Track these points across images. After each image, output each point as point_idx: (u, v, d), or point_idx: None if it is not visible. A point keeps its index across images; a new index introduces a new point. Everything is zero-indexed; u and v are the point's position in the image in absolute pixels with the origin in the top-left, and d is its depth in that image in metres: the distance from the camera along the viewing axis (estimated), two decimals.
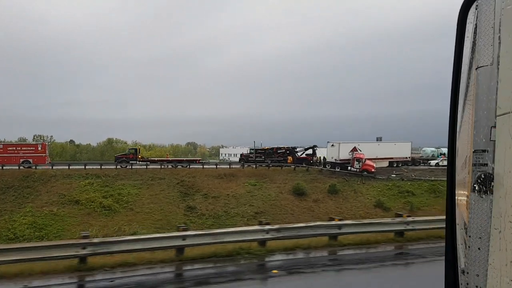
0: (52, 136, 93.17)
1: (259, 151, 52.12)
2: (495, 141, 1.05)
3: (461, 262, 1.27)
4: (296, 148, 52.83)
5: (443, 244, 1.47)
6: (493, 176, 1.05)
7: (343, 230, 12.70)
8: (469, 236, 1.14)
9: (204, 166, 46.83)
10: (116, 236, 20.37)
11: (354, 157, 46.79)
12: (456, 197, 1.45)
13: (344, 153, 47.36)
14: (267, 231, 11.62)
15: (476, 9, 1.18)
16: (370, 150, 50.14)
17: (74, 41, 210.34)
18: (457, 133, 1.39)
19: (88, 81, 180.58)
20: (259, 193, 40.06)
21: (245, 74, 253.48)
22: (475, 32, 1.19)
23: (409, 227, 13.81)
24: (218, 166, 47.19)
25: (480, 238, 1.10)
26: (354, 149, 48.50)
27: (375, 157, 50.53)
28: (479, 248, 1.10)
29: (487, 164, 1.07)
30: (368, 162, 46.72)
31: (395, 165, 52.24)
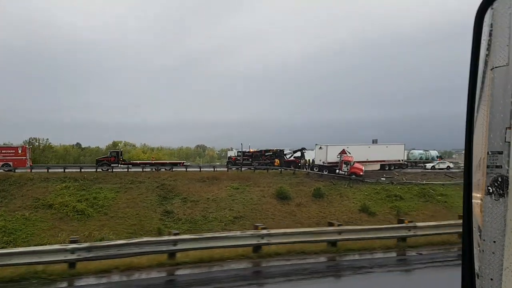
0: (48, 138, 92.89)
1: (247, 153, 50.98)
2: (510, 142, 1.10)
3: (476, 266, 1.29)
4: (284, 151, 51.61)
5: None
6: (508, 178, 1.08)
7: (180, 247, 10.55)
8: (483, 240, 1.18)
9: (188, 169, 45.74)
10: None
11: (342, 160, 45.44)
12: (472, 200, 1.43)
13: (332, 156, 46.02)
14: (72, 251, 9.35)
15: (492, 11, 1.23)
16: (360, 153, 48.75)
17: (90, 46, 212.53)
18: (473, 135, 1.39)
19: (104, 86, 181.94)
20: (241, 197, 38.89)
21: (259, 77, 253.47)
22: (490, 34, 1.24)
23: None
24: (202, 169, 46.07)
25: (495, 241, 1.13)
26: (343, 152, 47.12)
27: (365, 160, 49.18)
28: (493, 252, 1.13)
29: (501, 166, 1.11)
30: (356, 165, 45.34)
31: (387, 168, 50.80)
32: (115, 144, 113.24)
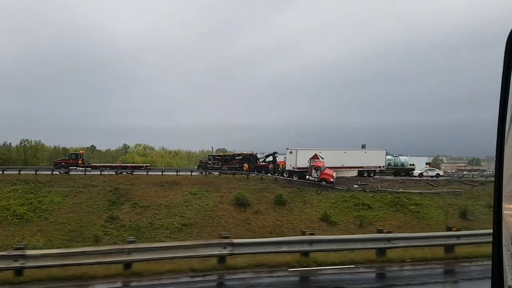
0: (40, 140, 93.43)
1: (217, 157, 48.95)
2: None
3: (508, 279, 1.24)
4: (257, 155, 49.41)
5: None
6: None
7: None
8: None
9: (149, 173, 44.02)
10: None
11: (312, 165, 42.90)
12: (503, 211, 1.38)
13: (303, 161, 43.53)
14: None
15: None
16: (335, 158, 46.13)
17: (129, 52, 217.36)
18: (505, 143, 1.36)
19: (141, 91, 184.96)
20: (197, 203, 36.83)
21: (294, 81, 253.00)
22: None
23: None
24: (164, 173, 44.27)
25: None
26: (315, 157, 44.59)
27: (341, 166, 46.55)
28: None
29: None
30: (327, 171, 42.75)
31: (365, 175, 47.94)
32: (125, 146, 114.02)
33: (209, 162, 48.40)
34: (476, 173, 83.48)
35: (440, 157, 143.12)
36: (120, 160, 55.26)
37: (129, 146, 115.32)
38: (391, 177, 48.45)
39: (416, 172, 54.43)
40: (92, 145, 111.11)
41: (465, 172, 70.63)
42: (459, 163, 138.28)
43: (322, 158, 44.92)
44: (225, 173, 44.60)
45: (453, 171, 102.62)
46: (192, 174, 44.40)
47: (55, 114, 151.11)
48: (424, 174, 52.71)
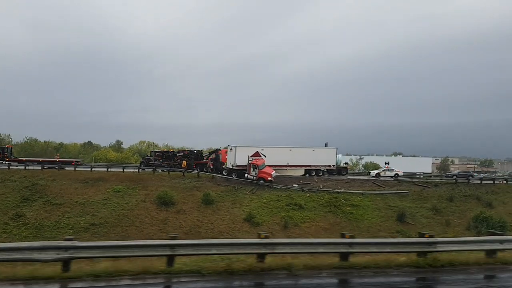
0: (9, 135, 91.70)
1: (158, 153, 46.67)
2: None
3: None
4: (202, 152, 47.22)
5: None
6: None
7: None
8: None
9: (78, 169, 41.79)
10: None
11: (250, 163, 40.67)
12: None
13: (242, 159, 41.29)
14: None
15: None
16: (280, 156, 44.01)
17: (148, 52, 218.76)
18: None
19: (159, 90, 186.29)
20: (117, 201, 34.63)
21: (310, 81, 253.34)
22: None
23: None
24: (94, 169, 42.07)
25: None
26: (257, 154, 42.39)
27: (285, 164, 44.35)
28: None
29: None
30: (266, 169, 40.54)
31: (313, 174, 45.72)
32: (118, 142, 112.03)
33: (151, 158, 46.16)
34: (482, 174, 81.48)
35: (450, 158, 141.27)
36: (57, 155, 52.91)
37: (122, 142, 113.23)
38: (339, 177, 46.14)
39: (373, 172, 52.30)
40: (89, 141, 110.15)
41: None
42: (469, 164, 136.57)
43: (265, 156, 42.75)
44: (163, 171, 42.40)
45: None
46: (125, 170, 42.12)
47: (76, 111, 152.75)
48: (382, 174, 50.45)
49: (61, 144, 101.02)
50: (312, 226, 32.95)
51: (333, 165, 47.56)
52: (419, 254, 8.86)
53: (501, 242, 9.54)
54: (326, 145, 51.45)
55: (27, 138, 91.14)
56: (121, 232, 30.34)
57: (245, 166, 41.25)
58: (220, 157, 45.09)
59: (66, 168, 42.96)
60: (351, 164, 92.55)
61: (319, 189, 39.56)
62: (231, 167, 42.04)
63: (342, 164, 48.78)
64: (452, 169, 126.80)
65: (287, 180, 42.26)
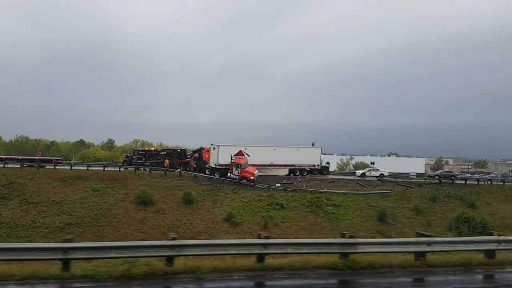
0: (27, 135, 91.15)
1: (141, 152, 46.12)
2: None
3: None
4: (185, 151, 46.76)
5: None
6: None
7: None
8: None
9: (57, 167, 41.18)
10: None
11: (233, 162, 40.31)
12: None
13: (225, 158, 40.92)
14: None
15: None
16: (263, 156, 43.71)
17: (148, 51, 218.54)
18: None
19: (159, 89, 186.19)
20: (95, 200, 34.11)
21: (309, 81, 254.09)
22: None
23: None
24: (74, 168, 41.49)
25: None
26: (240, 154, 42.04)
27: (269, 164, 44.05)
28: None
29: None
30: (248, 168, 40.22)
31: (298, 174, 45.46)
32: (109, 141, 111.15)
33: (134, 157, 45.61)
34: (467, 175, 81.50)
35: (445, 159, 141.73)
36: (39, 153, 52.17)
37: (114, 140, 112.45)
38: (323, 177, 45.95)
39: (359, 172, 52.20)
40: (81, 139, 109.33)
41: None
42: (463, 165, 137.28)
43: (248, 155, 42.43)
44: (144, 169, 41.92)
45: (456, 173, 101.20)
46: (105, 169, 41.56)
47: (74, 109, 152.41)
48: (367, 174, 50.35)
49: (53, 142, 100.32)
50: (292, 226, 32.68)
51: (318, 165, 47.34)
52: (341, 255, 8.54)
53: (429, 244, 9.23)
54: (313, 144, 51.32)
55: (18, 136, 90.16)
56: (97, 232, 29.84)
57: (228, 165, 40.90)
58: (204, 156, 44.65)
59: (47, 167, 42.32)
60: (341, 164, 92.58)
61: (302, 188, 39.32)
62: (214, 166, 41.66)
63: (324, 164, 48.51)
64: (446, 169, 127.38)
65: (270, 180, 41.98)
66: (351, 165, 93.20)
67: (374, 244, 8.96)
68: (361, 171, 52.20)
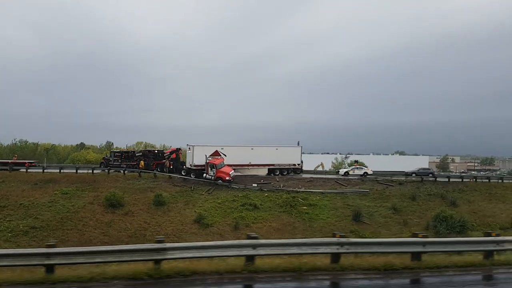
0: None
1: (117, 154, 45.37)
2: None
3: None
4: (163, 152, 46.03)
5: None
6: None
7: None
8: None
9: (29, 170, 40.46)
10: None
11: (208, 163, 39.56)
12: None
13: (201, 158, 40.16)
14: None
15: None
16: (241, 155, 42.97)
17: (148, 53, 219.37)
18: None
19: (160, 91, 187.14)
20: (63, 203, 33.39)
21: (310, 81, 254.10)
22: None
23: None
24: (46, 171, 40.76)
25: None
26: (216, 154, 41.29)
27: (247, 163, 43.30)
28: None
29: None
30: (224, 169, 39.45)
31: (277, 173, 44.68)
32: (108, 143, 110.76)
33: (110, 159, 44.85)
34: (473, 172, 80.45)
35: (450, 156, 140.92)
36: (15, 156, 51.40)
37: (112, 143, 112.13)
38: (302, 176, 45.21)
39: (342, 171, 51.41)
40: (81, 142, 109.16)
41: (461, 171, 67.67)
42: (470, 162, 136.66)
43: (225, 155, 41.66)
44: (118, 171, 41.19)
45: (456, 171, 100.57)
46: (78, 172, 40.82)
47: (75, 112, 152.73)
48: (351, 172, 49.53)
49: (53, 146, 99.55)
50: (264, 226, 31.93)
51: (298, 164, 46.56)
52: (156, 262, 7.71)
53: (254, 246, 8.33)
54: (298, 143, 50.53)
55: (16, 140, 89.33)
56: (61, 235, 29.07)
57: (204, 165, 40.14)
58: (181, 157, 43.93)
59: (21, 170, 41.58)
60: (336, 163, 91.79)
61: (279, 188, 38.57)
62: (189, 167, 40.91)
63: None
64: (452, 167, 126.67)
65: (248, 180, 41.21)
66: (346, 164, 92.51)
67: (187, 249, 8.04)
68: (345, 170, 51.39)
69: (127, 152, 45.73)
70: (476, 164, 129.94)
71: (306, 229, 31.47)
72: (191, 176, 40.47)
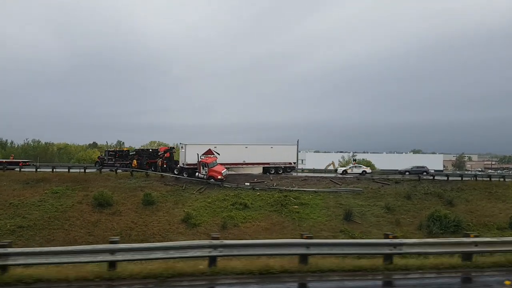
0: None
1: (111, 153, 45.28)
2: None
3: None
4: (155, 150, 45.80)
5: None
6: None
7: None
8: None
9: (23, 170, 40.57)
10: None
11: (200, 162, 39.20)
12: None
13: (193, 157, 39.81)
14: None
15: None
16: (235, 154, 42.55)
17: (163, 54, 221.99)
18: None
19: (175, 91, 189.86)
20: (52, 203, 33.34)
21: (327, 79, 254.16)
22: None
23: None
24: (39, 170, 40.84)
25: None
26: (209, 152, 40.91)
27: (241, 162, 42.85)
28: None
29: None
30: (216, 167, 39.04)
31: (273, 172, 44.15)
32: (119, 142, 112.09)
33: (105, 158, 44.80)
34: (490, 171, 78.64)
35: (466, 155, 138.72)
36: (12, 156, 51.75)
37: (123, 142, 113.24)
38: (296, 175, 44.60)
39: (340, 169, 50.68)
40: (93, 142, 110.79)
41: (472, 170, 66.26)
42: (488, 161, 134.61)
43: (218, 154, 41.26)
44: (111, 170, 41.09)
45: (472, 169, 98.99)
46: (70, 171, 40.81)
47: (84, 112, 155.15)
48: (349, 171, 48.75)
49: (65, 145, 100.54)
50: (252, 226, 31.43)
51: (294, 163, 45.94)
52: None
53: (112, 252, 7.74)
54: (298, 142, 49.93)
55: (28, 140, 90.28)
56: (47, 235, 29.08)
57: (196, 164, 39.79)
58: (175, 156, 43.66)
59: (16, 169, 41.75)
60: (343, 162, 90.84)
61: (272, 187, 38.02)
62: (182, 165, 40.60)
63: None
64: (468, 166, 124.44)
65: (241, 179, 40.74)
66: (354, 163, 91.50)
67: (32, 255, 7.44)
68: (343, 168, 50.63)
69: (121, 151, 45.60)
70: (493, 163, 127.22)
71: (295, 228, 30.81)
72: (184, 175, 40.13)
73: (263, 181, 39.99)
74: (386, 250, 8.61)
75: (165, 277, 7.37)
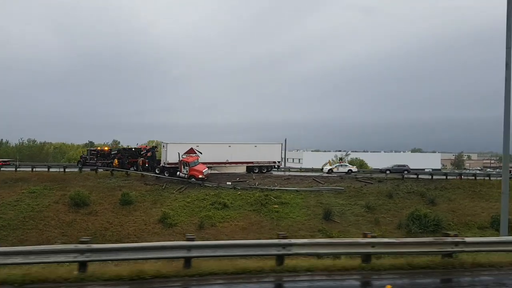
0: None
1: (93, 152, 44.80)
2: None
3: None
4: (137, 150, 45.39)
5: None
6: None
7: None
8: None
9: (2, 169, 40.11)
10: None
11: (181, 161, 38.81)
12: None
13: (175, 156, 39.40)
14: None
15: None
16: (218, 153, 42.16)
17: (164, 53, 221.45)
18: None
19: (176, 91, 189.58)
20: (28, 202, 32.89)
21: (328, 79, 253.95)
22: None
23: None
24: (18, 169, 40.39)
25: None
26: (191, 151, 40.50)
27: (224, 161, 42.49)
28: None
29: None
30: (196, 167, 38.65)
31: (256, 171, 43.83)
32: (115, 142, 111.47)
33: (87, 157, 44.34)
34: (489, 170, 78.68)
35: (466, 154, 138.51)
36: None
37: (119, 141, 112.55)
38: (279, 174, 44.32)
39: (326, 168, 50.34)
40: (90, 141, 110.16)
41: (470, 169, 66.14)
42: (486, 159, 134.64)
43: (201, 153, 40.86)
44: (91, 170, 40.65)
45: (471, 168, 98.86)
46: (50, 170, 40.37)
47: (85, 112, 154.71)
48: (335, 170, 48.43)
49: (63, 145, 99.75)
50: (230, 226, 31.11)
51: (278, 161, 45.64)
52: None
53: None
54: (285, 141, 49.70)
55: (22, 139, 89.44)
56: (20, 235, 28.67)
57: (177, 163, 39.41)
58: (156, 155, 43.26)
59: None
60: (336, 161, 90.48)
61: (253, 186, 37.68)
62: (163, 164, 40.21)
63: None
64: (467, 164, 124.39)
65: (223, 178, 40.41)
66: (346, 162, 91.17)
67: None
68: (329, 167, 50.30)
69: (103, 150, 45.09)
70: (492, 161, 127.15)
71: (273, 228, 30.48)
72: (165, 174, 39.74)
73: (245, 180, 39.66)
74: (274, 251, 8.23)
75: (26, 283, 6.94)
